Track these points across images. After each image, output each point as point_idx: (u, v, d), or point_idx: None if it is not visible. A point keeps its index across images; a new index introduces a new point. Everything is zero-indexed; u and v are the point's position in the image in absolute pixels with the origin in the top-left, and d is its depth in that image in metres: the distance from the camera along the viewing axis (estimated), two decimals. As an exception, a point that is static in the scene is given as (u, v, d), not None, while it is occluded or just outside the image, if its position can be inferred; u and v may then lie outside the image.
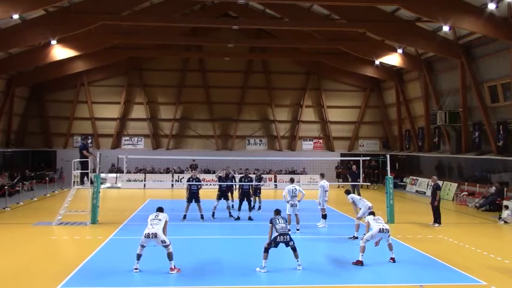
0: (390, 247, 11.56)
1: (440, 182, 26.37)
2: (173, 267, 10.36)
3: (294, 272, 10.51)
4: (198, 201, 17.42)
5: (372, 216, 12.01)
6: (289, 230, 11.12)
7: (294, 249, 10.67)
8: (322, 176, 17.09)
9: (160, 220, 10.64)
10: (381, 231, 11.31)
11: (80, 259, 11.28)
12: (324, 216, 16.41)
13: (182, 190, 20.07)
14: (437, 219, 16.87)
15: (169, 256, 10.36)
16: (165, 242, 10.39)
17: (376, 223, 11.50)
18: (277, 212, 11.31)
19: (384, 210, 17.58)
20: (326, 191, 16.38)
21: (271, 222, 10.81)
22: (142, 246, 10.43)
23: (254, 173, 21.83)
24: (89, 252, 12.05)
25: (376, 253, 12.10)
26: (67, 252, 13.03)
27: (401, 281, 9.96)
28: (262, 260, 10.48)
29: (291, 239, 10.63)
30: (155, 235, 10.28)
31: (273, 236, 10.62)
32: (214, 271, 10.64)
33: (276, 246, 10.58)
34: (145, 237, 10.32)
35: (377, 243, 11.57)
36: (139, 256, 10.39)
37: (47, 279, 9.75)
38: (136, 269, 10.33)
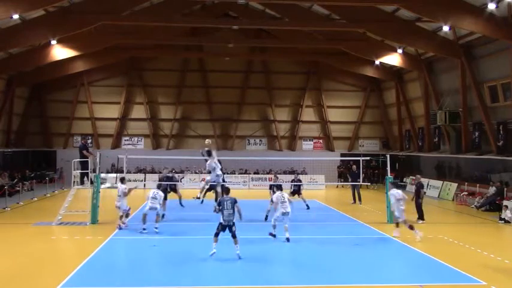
0: (286, 228, 13.26)
1: (440, 182, 26.60)
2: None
3: (294, 272, 10.54)
4: (175, 191, 18.13)
5: (280, 195, 13.78)
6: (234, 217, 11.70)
7: (234, 236, 11.36)
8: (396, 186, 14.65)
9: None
10: (284, 214, 13.47)
11: (80, 259, 11.27)
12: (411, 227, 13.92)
13: (182, 190, 20.19)
14: (420, 215, 17.14)
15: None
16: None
17: (281, 208, 13.51)
18: (227, 191, 12.00)
19: (384, 210, 17.59)
20: (400, 199, 14.29)
21: (219, 204, 11.53)
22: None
23: None
24: (89, 252, 12.04)
25: (377, 253, 12.12)
26: (67, 252, 13.03)
27: (401, 281, 9.95)
28: (212, 243, 11.36)
29: (233, 225, 11.49)
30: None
31: (219, 222, 11.51)
32: (214, 271, 10.64)
33: (223, 230, 11.50)
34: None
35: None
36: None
37: (47, 279, 9.75)
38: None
